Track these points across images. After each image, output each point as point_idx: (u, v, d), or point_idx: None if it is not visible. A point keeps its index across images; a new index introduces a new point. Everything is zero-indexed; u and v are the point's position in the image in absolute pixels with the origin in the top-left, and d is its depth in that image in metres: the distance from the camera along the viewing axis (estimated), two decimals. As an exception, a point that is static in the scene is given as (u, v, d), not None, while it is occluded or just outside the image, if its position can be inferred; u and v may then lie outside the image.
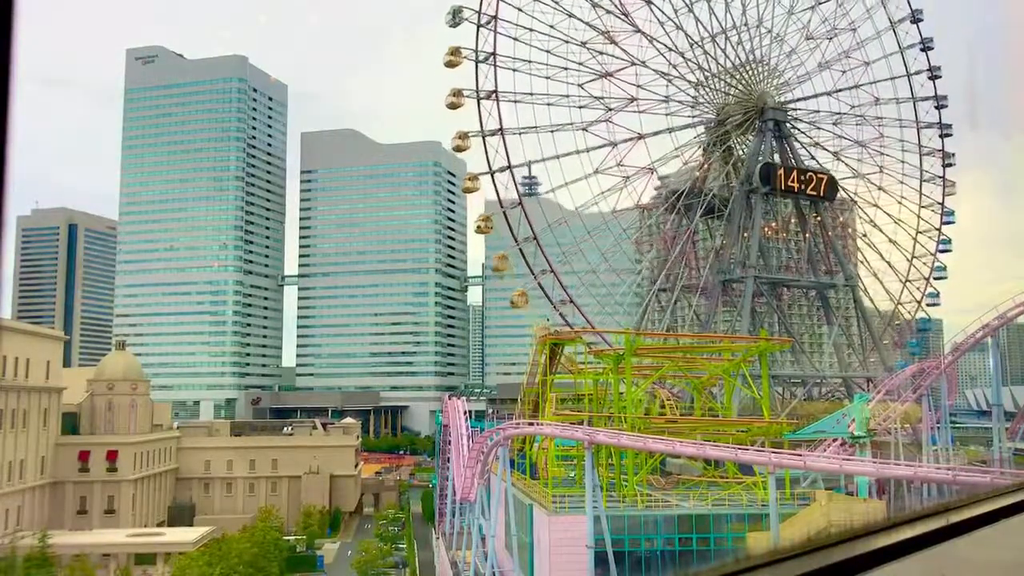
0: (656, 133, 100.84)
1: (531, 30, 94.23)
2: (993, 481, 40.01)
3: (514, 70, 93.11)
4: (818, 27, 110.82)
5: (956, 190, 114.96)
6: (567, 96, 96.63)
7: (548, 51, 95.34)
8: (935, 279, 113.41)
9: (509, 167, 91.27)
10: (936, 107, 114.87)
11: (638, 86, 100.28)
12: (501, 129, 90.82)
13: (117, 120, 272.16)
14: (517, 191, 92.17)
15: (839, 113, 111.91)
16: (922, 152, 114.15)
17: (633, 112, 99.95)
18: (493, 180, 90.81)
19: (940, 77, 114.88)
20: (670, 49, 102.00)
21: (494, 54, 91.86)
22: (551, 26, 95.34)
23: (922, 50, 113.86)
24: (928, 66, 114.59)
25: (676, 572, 55.02)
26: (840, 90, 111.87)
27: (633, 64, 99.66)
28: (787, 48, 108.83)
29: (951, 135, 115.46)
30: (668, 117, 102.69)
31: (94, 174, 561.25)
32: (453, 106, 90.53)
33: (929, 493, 66.31)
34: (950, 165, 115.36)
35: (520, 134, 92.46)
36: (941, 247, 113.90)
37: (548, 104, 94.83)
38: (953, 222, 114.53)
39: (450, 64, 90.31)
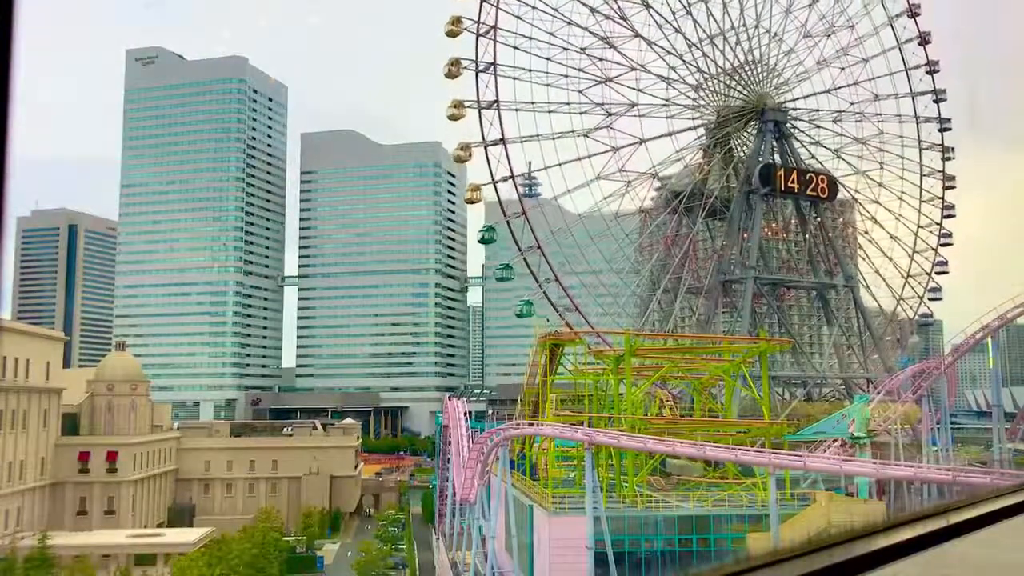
0: (657, 137, 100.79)
1: (530, 38, 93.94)
2: (993, 482, 40.02)
3: (514, 79, 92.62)
4: (816, 25, 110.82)
5: (956, 183, 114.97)
6: (568, 103, 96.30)
7: (548, 58, 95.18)
8: (937, 273, 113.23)
9: (512, 176, 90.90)
10: (935, 101, 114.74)
11: (638, 90, 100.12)
12: (503, 139, 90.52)
13: (117, 120, 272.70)
14: (520, 201, 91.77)
15: (839, 111, 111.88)
16: (921, 147, 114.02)
17: (634, 117, 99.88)
18: (496, 190, 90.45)
19: (938, 71, 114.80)
20: (669, 52, 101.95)
21: (494, 64, 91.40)
22: (551, 33, 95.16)
23: (920, 44, 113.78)
24: (926, 60, 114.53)
25: (676, 573, 55.03)
26: (839, 87, 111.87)
27: (633, 69, 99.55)
28: (785, 47, 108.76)
29: (950, 129, 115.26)
30: (669, 120, 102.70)
31: (94, 174, 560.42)
32: (454, 117, 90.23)
33: (929, 494, 66.36)
34: (949, 159, 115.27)
35: (522, 142, 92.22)
36: (943, 240, 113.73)
37: (549, 112, 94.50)
38: (954, 215, 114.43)
39: (450, 75, 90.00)
